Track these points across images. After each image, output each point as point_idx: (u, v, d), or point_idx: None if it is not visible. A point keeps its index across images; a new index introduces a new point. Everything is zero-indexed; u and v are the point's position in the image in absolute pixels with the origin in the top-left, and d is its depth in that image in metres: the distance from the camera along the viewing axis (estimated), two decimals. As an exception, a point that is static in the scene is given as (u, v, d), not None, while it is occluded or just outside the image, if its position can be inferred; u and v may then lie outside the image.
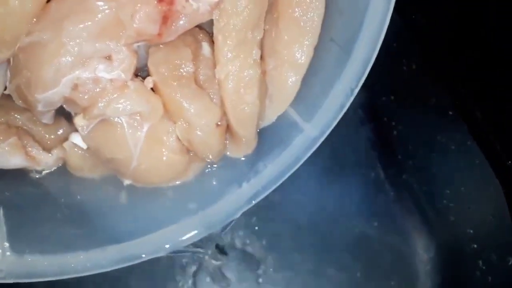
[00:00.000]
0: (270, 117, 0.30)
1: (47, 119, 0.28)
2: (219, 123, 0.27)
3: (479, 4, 0.45)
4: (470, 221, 0.44)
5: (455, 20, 0.48)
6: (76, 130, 0.28)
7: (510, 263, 0.40)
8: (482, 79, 0.44)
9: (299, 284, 0.45)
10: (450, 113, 0.44)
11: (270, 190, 0.28)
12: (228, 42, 0.25)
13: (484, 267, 0.42)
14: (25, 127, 0.30)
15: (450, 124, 0.44)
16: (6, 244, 0.28)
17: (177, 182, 0.30)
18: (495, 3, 0.43)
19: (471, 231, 0.44)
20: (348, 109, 0.28)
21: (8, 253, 0.28)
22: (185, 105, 0.26)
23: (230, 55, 0.25)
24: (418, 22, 0.46)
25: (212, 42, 0.27)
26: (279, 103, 0.29)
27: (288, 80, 0.28)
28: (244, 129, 0.28)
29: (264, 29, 0.27)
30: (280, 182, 0.28)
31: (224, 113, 0.28)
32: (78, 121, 0.27)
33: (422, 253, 0.45)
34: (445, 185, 0.45)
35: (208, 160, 0.30)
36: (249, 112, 0.27)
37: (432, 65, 0.45)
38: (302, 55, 0.27)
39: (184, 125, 0.27)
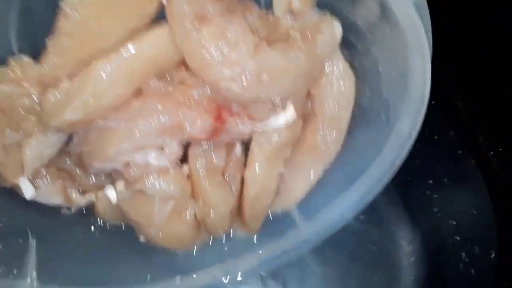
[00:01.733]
0: (276, 209, 0.35)
1: (92, 174, 0.33)
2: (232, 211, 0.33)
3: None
4: (453, 212, 0.44)
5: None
6: (112, 184, 0.32)
7: (492, 256, 0.40)
8: (464, 70, 0.44)
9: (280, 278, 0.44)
10: (433, 103, 0.44)
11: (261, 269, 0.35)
12: (262, 155, 0.31)
13: (467, 259, 0.42)
14: (70, 170, 0.33)
15: (432, 115, 0.44)
16: (34, 274, 0.31)
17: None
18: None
19: (454, 222, 0.44)
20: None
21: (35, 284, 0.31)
22: (209, 192, 0.32)
23: (261, 165, 0.32)
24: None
25: (243, 143, 0.33)
26: (286, 201, 0.35)
27: (298, 190, 0.35)
28: (254, 223, 0.34)
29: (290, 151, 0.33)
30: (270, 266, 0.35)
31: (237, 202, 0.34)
32: (119, 186, 0.31)
33: (406, 244, 0.45)
34: (427, 175, 0.45)
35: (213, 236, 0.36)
36: (262, 212, 0.34)
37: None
38: (313, 175, 0.34)
39: (204, 207, 0.32)
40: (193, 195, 0.32)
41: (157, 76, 0.28)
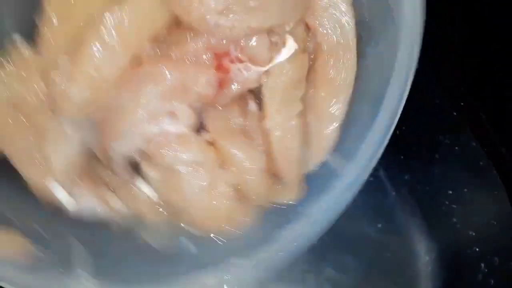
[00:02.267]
0: (311, 165, 0.33)
1: (121, 169, 0.32)
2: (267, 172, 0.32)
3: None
4: (473, 223, 0.44)
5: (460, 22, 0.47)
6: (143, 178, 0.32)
7: (512, 267, 0.40)
8: (486, 81, 0.44)
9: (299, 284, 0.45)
10: (454, 113, 0.44)
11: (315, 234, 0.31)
12: (275, 98, 0.30)
13: (486, 270, 0.42)
14: (105, 179, 0.34)
15: (454, 125, 0.44)
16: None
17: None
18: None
19: (473, 233, 0.44)
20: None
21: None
22: (237, 153, 0.31)
23: (276, 109, 0.30)
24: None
25: (256, 100, 0.32)
26: (319, 152, 0.33)
27: (327, 131, 0.32)
28: (290, 172, 0.32)
29: (304, 88, 0.31)
30: (323, 226, 0.31)
31: (270, 161, 0.32)
32: (149, 173, 0.31)
33: (423, 255, 0.45)
34: (447, 186, 0.45)
35: (257, 205, 0.33)
36: (294, 156, 0.32)
37: (434, 67, 0.45)
38: (337, 109, 0.32)
39: (235, 171, 0.31)
40: (222, 164, 0.31)
41: (151, 41, 0.28)
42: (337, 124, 0.32)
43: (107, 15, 0.27)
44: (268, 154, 0.32)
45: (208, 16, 0.27)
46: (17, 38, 0.31)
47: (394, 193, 0.44)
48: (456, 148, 0.44)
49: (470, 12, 0.44)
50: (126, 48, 0.27)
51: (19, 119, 0.31)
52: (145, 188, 0.32)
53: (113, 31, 0.27)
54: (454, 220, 0.45)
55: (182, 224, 0.33)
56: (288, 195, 0.33)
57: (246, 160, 0.31)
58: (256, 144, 0.32)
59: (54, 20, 0.28)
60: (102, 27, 0.27)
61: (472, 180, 0.44)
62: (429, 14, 0.33)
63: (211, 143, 0.31)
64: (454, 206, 0.45)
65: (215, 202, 0.32)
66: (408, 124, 0.47)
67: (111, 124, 0.30)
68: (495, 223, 0.42)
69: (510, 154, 0.41)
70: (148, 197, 0.33)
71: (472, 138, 0.42)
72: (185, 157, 0.30)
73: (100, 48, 0.27)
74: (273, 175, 0.33)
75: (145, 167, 0.31)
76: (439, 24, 0.45)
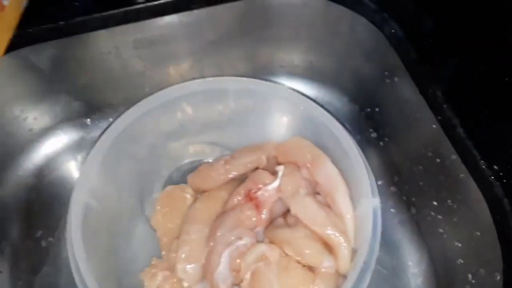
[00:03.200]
0: None
1: None
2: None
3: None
4: (458, 234, 0.44)
5: (438, 33, 0.48)
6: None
7: (497, 278, 0.40)
8: (464, 94, 0.44)
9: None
10: (434, 126, 0.45)
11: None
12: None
13: (473, 281, 0.42)
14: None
15: (434, 139, 0.45)
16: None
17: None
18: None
19: (459, 244, 0.44)
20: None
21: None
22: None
23: None
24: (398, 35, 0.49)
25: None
26: None
27: None
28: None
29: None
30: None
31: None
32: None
33: (413, 265, 0.47)
34: (432, 197, 0.46)
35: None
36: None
37: (413, 77, 0.47)
38: None
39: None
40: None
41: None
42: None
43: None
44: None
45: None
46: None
47: (382, 205, 0.47)
48: (438, 160, 0.45)
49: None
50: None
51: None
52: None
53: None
54: (441, 231, 0.46)
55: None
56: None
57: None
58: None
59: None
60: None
61: (454, 192, 0.44)
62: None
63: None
64: (440, 217, 0.46)
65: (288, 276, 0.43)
66: (391, 138, 0.50)
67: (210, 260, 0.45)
68: (478, 234, 0.42)
69: (488, 167, 0.41)
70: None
71: (451, 151, 0.43)
72: (254, 254, 0.44)
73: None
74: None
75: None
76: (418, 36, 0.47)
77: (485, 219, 0.41)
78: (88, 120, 0.59)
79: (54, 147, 0.57)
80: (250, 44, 0.59)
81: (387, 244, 0.49)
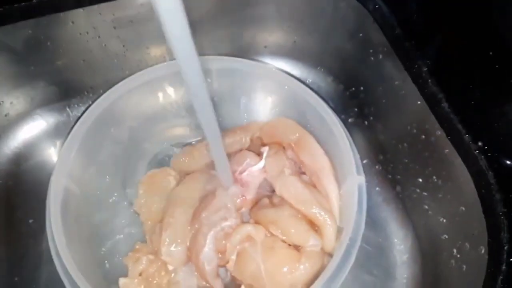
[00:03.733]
0: None
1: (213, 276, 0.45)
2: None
3: None
4: (443, 210, 0.44)
5: (422, 9, 0.47)
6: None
7: (482, 251, 0.40)
8: (449, 69, 0.44)
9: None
10: (419, 103, 0.45)
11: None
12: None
13: (458, 256, 0.43)
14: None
15: (419, 115, 0.45)
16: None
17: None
18: None
19: (444, 220, 0.44)
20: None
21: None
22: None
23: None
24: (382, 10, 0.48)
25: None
26: None
27: None
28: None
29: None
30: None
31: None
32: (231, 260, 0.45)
33: (399, 242, 0.47)
34: (417, 174, 0.46)
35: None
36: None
37: (398, 54, 0.46)
38: None
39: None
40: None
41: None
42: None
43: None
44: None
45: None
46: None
47: (367, 183, 0.47)
48: (423, 137, 0.45)
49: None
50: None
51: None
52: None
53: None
54: (426, 207, 0.46)
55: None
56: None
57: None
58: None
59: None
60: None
61: (439, 168, 0.44)
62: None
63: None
64: (425, 193, 0.46)
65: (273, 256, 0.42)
66: (376, 117, 0.49)
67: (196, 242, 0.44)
68: (463, 209, 0.42)
69: (473, 141, 0.41)
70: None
71: (436, 126, 0.43)
72: (239, 235, 0.43)
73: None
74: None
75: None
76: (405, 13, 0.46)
77: (470, 194, 0.41)
78: (67, 104, 0.57)
79: (32, 132, 0.56)
80: (232, 24, 0.57)
81: (373, 222, 0.49)
